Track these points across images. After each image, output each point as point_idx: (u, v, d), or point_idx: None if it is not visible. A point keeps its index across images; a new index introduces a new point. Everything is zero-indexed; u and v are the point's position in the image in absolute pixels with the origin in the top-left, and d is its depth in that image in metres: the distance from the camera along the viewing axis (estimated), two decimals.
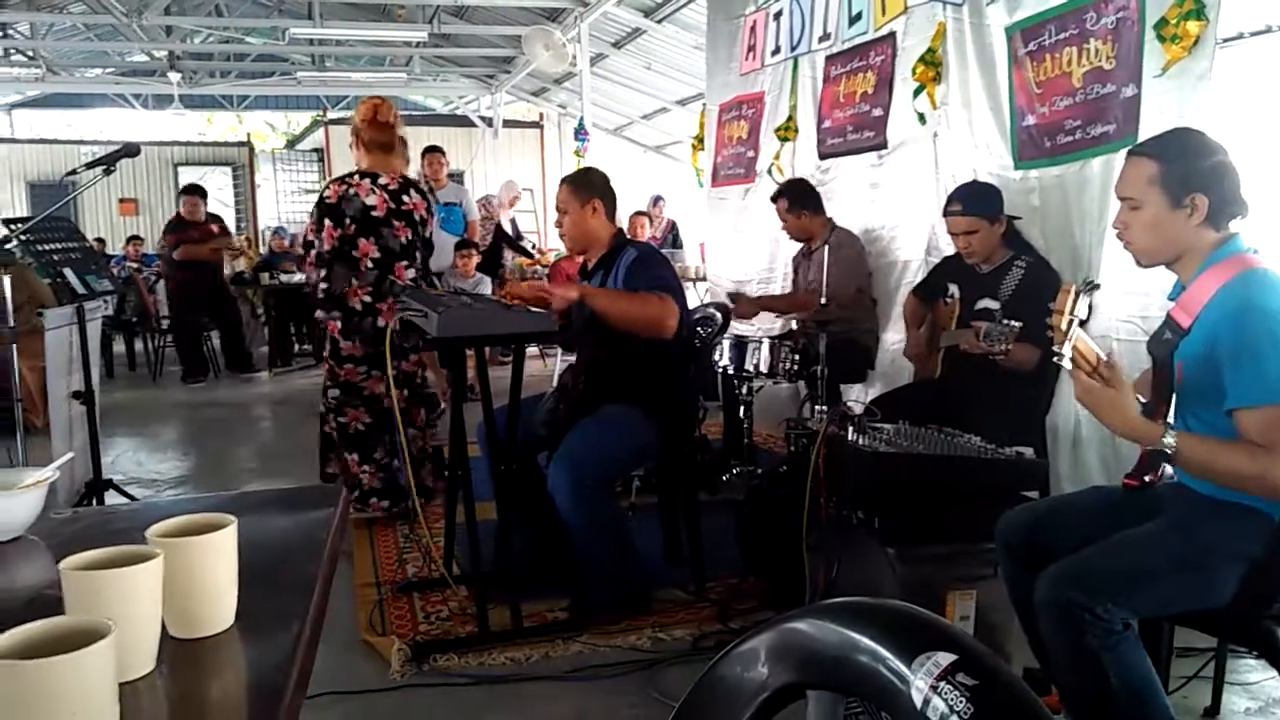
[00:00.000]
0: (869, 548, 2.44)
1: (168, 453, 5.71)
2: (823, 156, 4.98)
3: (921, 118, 4.19)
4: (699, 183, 6.75)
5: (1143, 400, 1.90)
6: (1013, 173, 3.65)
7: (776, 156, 5.39)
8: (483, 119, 15.15)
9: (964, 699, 0.59)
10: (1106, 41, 3.18)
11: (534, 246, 10.03)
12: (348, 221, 3.68)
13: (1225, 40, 2.82)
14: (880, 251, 4.57)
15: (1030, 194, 3.56)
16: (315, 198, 4.02)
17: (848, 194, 4.79)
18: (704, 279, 9.12)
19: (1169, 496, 1.99)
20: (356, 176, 3.76)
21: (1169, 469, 1.92)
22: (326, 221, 3.69)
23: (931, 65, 4.05)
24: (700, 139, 6.50)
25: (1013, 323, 2.42)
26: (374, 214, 3.73)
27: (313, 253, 3.79)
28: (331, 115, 15.24)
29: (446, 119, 16.57)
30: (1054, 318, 1.73)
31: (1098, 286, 1.80)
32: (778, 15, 5.34)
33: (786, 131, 5.26)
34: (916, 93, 4.18)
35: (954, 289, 3.47)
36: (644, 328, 2.93)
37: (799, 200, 4.48)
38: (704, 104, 6.50)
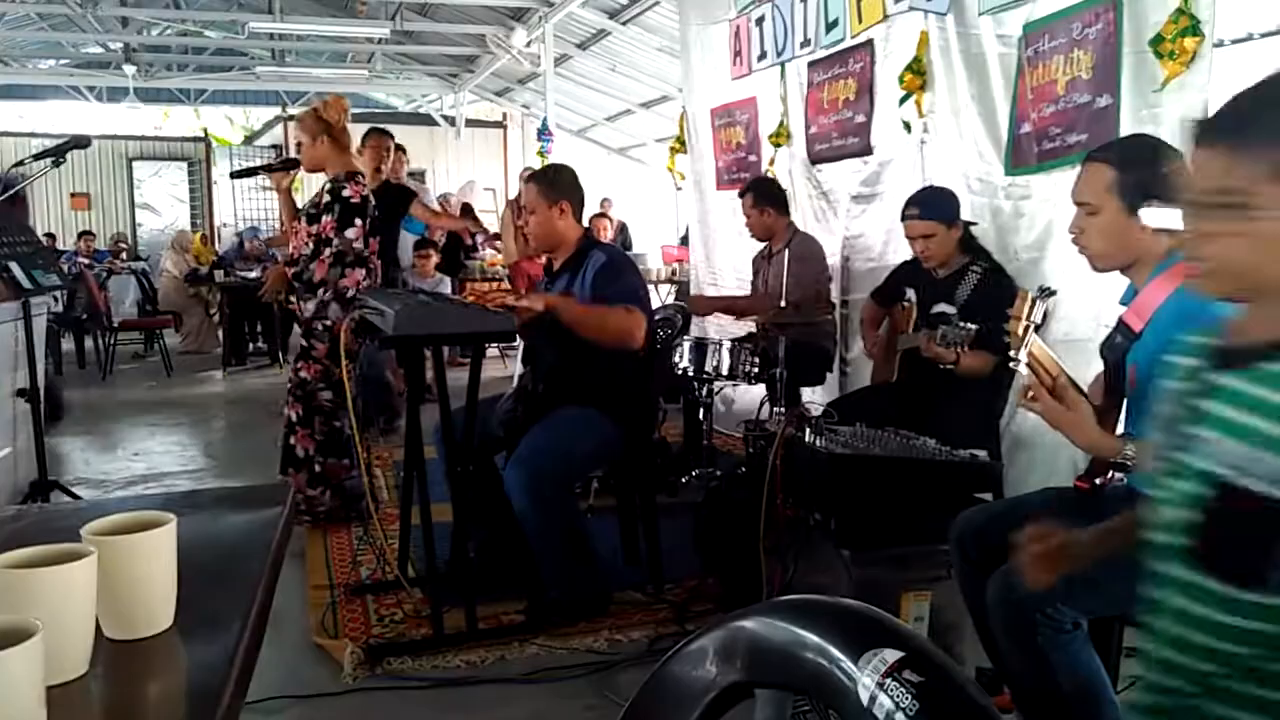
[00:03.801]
0: (825, 549, 2.45)
1: (117, 452, 5.60)
2: (814, 162, 5.02)
3: (907, 126, 4.21)
4: (677, 186, 6.76)
5: (1095, 405, 1.92)
6: (1001, 179, 3.69)
7: (771, 162, 5.40)
8: (445, 118, 15.06)
9: (910, 695, 0.59)
10: (1088, 52, 3.24)
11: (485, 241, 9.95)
12: (366, 220, 3.70)
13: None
14: (867, 257, 4.60)
15: (1019, 200, 3.60)
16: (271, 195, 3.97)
17: (840, 199, 4.82)
18: (667, 280, 9.16)
19: (1120, 498, 2.01)
20: (359, 177, 3.77)
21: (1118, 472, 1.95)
22: (358, 220, 3.66)
23: (918, 74, 4.08)
24: (681, 141, 6.47)
25: (969, 325, 2.44)
26: (375, 214, 3.80)
27: (328, 251, 3.64)
28: (291, 111, 15.05)
29: (409, 117, 16.44)
30: (1011, 323, 1.75)
31: (1054, 293, 1.83)
32: (760, 21, 5.36)
33: (779, 138, 5.27)
34: (902, 100, 4.20)
35: (910, 293, 3.50)
36: (611, 340, 2.92)
37: (763, 197, 4.50)
38: (683, 107, 6.47)
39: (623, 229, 10.46)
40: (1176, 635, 1.12)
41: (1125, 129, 3.05)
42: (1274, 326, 1.10)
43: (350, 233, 3.64)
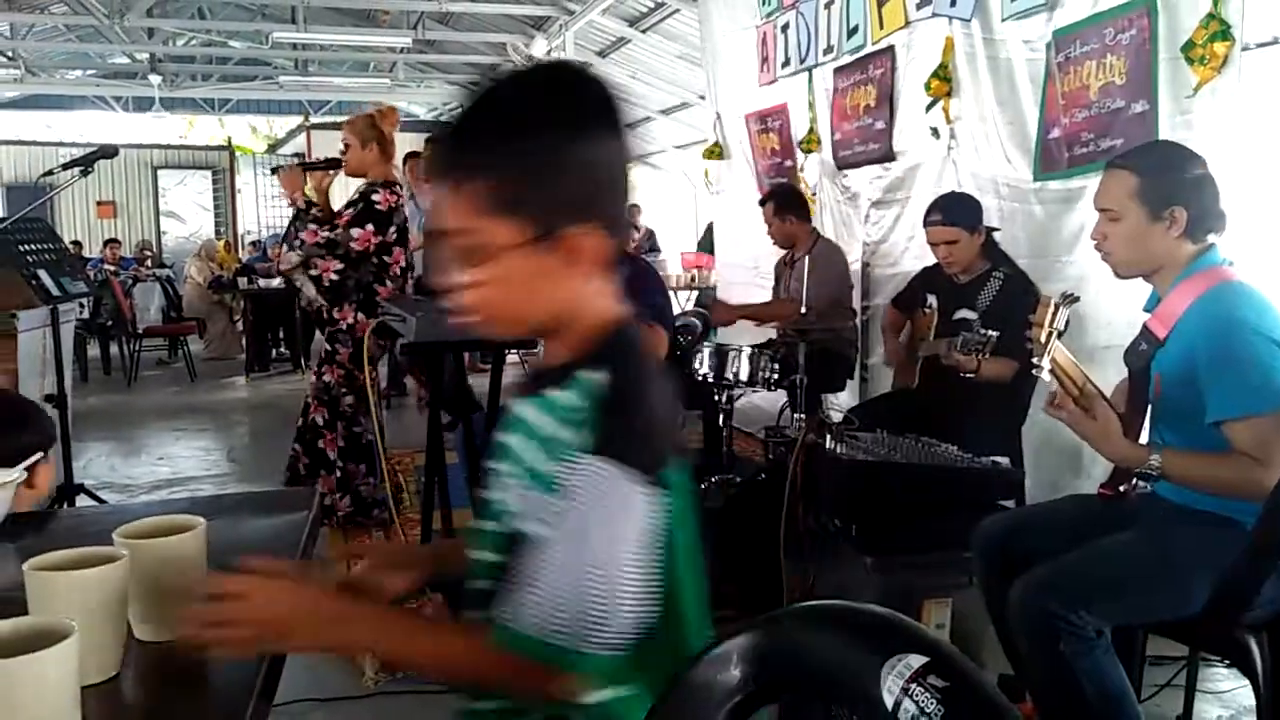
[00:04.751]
0: (846, 556, 2.44)
1: (141, 457, 5.65)
2: (840, 168, 5.03)
3: (935, 131, 4.21)
4: (710, 190, 6.79)
5: (1119, 411, 1.91)
6: (1030, 184, 3.67)
7: (801, 169, 5.41)
8: None
9: (935, 700, 0.59)
10: (1121, 57, 3.23)
11: None
12: (391, 230, 3.71)
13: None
14: (889, 263, 4.59)
15: (1051, 205, 3.59)
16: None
17: (864, 205, 4.84)
18: (687, 287, 9.16)
19: (1143, 506, 2.00)
20: (398, 187, 3.81)
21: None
22: (370, 226, 3.68)
23: (945, 80, 4.08)
24: (718, 145, 6.47)
25: (990, 332, 2.43)
26: (406, 225, 3.84)
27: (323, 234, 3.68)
28: (315, 120, 15.18)
29: (430, 125, 16.54)
30: (1034, 331, 1.75)
31: (1076, 299, 1.82)
32: (784, 28, 5.37)
33: (809, 144, 5.27)
34: (929, 107, 4.20)
35: (932, 299, 3.48)
36: None
37: (785, 205, 4.49)
38: (716, 112, 6.47)
39: (650, 235, 10.51)
40: None
41: (1163, 135, 3.04)
42: (557, 353, 1.02)
43: (355, 232, 3.64)
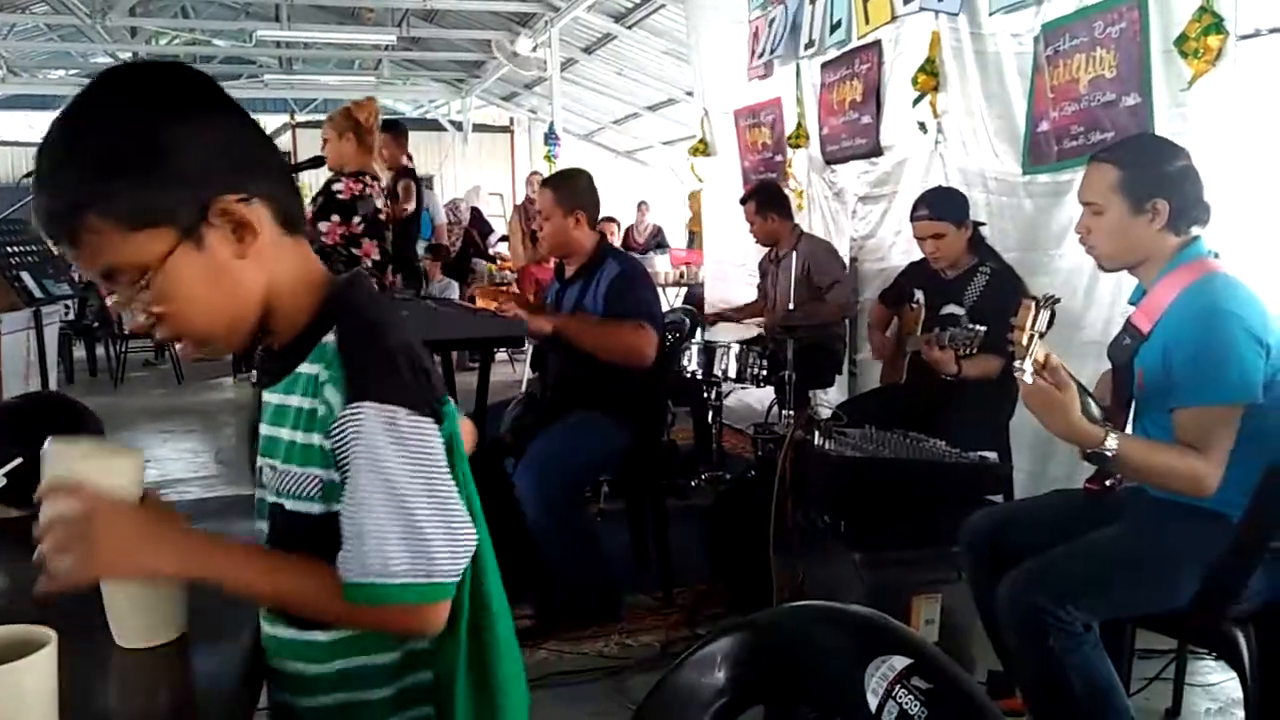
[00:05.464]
0: (835, 552, 2.44)
1: None
2: (827, 163, 5.04)
3: (922, 126, 4.21)
4: (700, 186, 6.80)
5: (1103, 405, 1.92)
6: (1019, 178, 3.68)
7: (789, 164, 5.40)
8: (452, 123, 15.09)
9: (919, 703, 0.58)
10: (1111, 51, 3.23)
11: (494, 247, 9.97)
12: (356, 220, 3.66)
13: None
14: (879, 257, 4.60)
15: (1040, 198, 3.60)
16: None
17: (850, 200, 4.85)
18: (675, 284, 9.17)
19: (1130, 500, 2.00)
20: (369, 178, 3.75)
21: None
22: (334, 216, 3.64)
23: (932, 74, 4.09)
24: (704, 142, 6.46)
25: (977, 327, 2.43)
26: (380, 217, 3.77)
27: None
28: (300, 118, 15.10)
29: (416, 123, 16.49)
30: (1014, 333, 1.74)
31: (1057, 300, 1.81)
32: (772, 22, 5.37)
33: (797, 139, 5.26)
34: (916, 101, 4.20)
35: (919, 295, 3.49)
36: (622, 358, 2.92)
37: (766, 203, 4.49)
38: (703, 108, 6.45)
39: (658, 232, 10.55)
40: (278, 671, 1.03)
41: (1159, 128, 3.04)
42: (288, 331, 1.00)
43: (323, 225, 3.62)
